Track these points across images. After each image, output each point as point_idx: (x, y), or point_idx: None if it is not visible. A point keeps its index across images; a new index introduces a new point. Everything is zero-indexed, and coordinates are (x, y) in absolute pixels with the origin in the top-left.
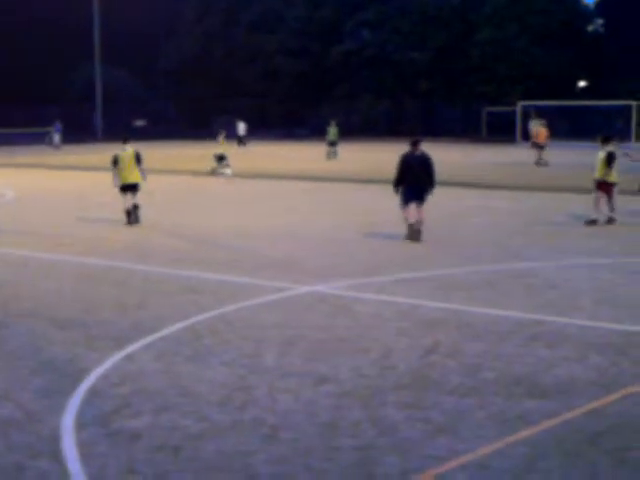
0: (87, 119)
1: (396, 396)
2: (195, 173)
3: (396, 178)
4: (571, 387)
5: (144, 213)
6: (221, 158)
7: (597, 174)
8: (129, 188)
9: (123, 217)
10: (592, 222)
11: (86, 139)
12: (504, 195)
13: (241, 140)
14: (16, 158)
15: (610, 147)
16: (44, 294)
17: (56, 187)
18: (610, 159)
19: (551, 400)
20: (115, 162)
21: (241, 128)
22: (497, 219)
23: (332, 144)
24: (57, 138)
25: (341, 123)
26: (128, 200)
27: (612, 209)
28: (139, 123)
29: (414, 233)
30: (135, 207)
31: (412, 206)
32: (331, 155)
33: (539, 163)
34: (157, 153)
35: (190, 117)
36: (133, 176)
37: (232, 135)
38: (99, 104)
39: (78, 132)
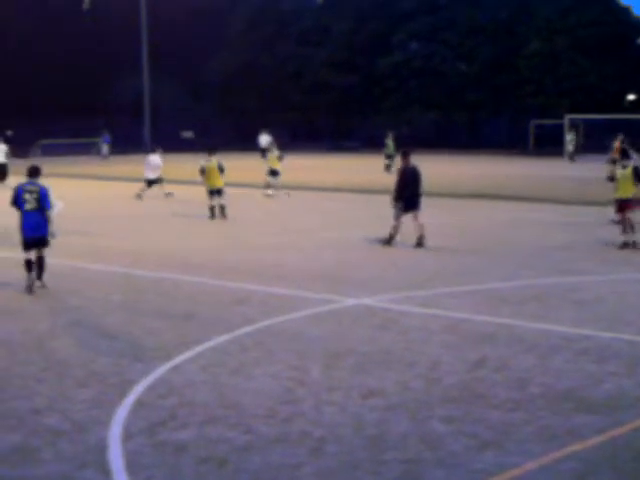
0: (135, 131)
1: (442, 410)
2: (247, 185)
3: (399, 191)
4: (620, 402)
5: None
6: (274, 173)
7: (620, 192)
8: (215, 192)
9: (170, 228)
10: (626, 245)
11: (134, 150)
12: (552, 208)
13: (264, 153)
14: (64, 168)
15: (631, 161)
16: (92, 305)
17: (104, 198)
18: (638, 174)
19: (600, 415)
20: (202, 171)
21: (264, 140)
22: (545, 232)
23: (389, 157)
24: (105, 149)
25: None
26: (214, 200)
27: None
28: (186, 135)
29: (417, 239)
30: (222, 207)
31: (406, 217)
32: (389, 167)
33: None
34: None
35: (237, 129)
36: (217, 182)
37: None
38: (147, 117)
39: (126, 143)
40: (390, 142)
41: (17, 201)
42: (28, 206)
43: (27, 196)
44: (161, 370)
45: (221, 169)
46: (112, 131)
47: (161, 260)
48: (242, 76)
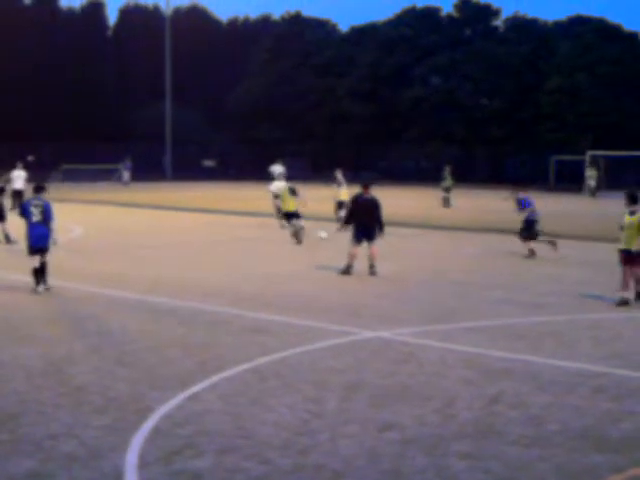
0: (157, 158)
1: (458, 445)
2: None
3: (346, 216)
4: (638, 442)
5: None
6: (340, 205)
7: (626, 244)
8: (291, 215)
9: (187, 256)
10: (624, 303)
11: (155, 178)
12: (571, 245)
13: None
14: (85, 194)
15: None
16: (110, 331)
17: (123, 224)
18: None
19: (617, 454)
20: (276, 196)
21: (277, 170)
22: (564, 269)
23: (447, 189)
24: (126, 175)
25: (409, 167)
26: (295, 224)
27: None
28: (208, 164)
29: (369, 268)
30: (301, 228)
31: (362, 245)
32: (447, 201)
33: None
34: (241, 193)
35: (258, 159)
36: (290, 206)
37: (297, 176)
38: (169, 145)
39: (147, 170)
40: (448, 175)
41: (25, 213)
42: (34, 218)
43: (33, 209)
44: (178, 398)
45: (293, 192)
46: (135, 158)
47: (179, 288)
48: (265, 105)
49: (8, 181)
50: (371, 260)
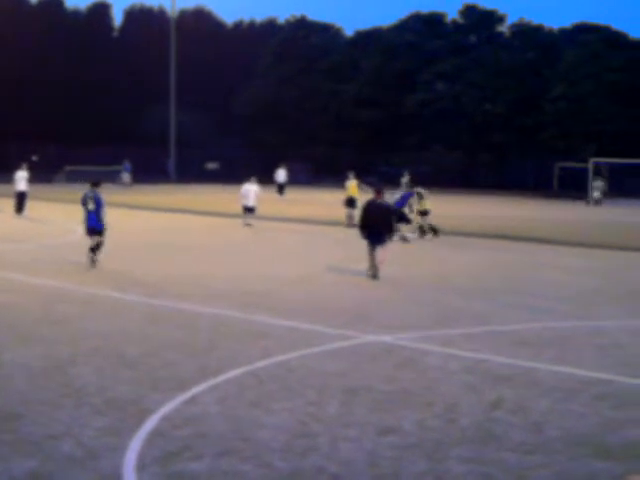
0: (160, 160)
1: (459, 450)
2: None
3: (360, 222)
4: (638, 450)
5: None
6: (352, 201)
7: None
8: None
9: (190, 259)
10: None
11: (159, 180)
12: (576, 252)
13: (281, 188)
14: None
15: None
16: (111, 333)
17: (122, 226)
18: None
19: (618, 462)
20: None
21: (281, 175)
22: (569, 276)
23: None
24: (127, 177)
25: (411, 173)
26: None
27: None
28: (211, 166)
29: (374, 271)
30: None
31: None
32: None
33: None
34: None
35: (262, 162)
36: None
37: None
38: (172, 148)
39: (151, 173)
40: (408, 182)
41: (83, 203)
42: (89, 207)
43: (88, 200)
44: (178, 401)
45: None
46: (137, 160)
47: (182, 290)
48: (269, 109)
49: None
50: (379, 264)
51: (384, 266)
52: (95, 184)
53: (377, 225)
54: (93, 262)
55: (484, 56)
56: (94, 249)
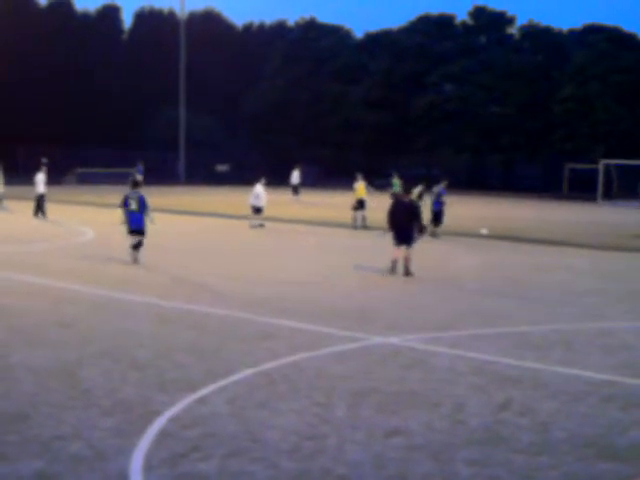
0: (170, 162)
1: (466, 452)
2: (282, 220)
3: (387, 220)
4: None
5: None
6: (361, 203)
7: None
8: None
9: (201, 260)
10: None
11: (168, 182)
12: (585, 253)
13: (295, 189)
14: (98, 197)
15: None
16: (120, 335)
17: None
18: None
19: (625, 464)
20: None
21: (295, 176)
22: (576, 277)
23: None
24: (139, 178)
25: (420, 175)
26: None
27: None
28: (221, 168)
29: (399, 268)
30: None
31: (402, 247)
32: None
33: None
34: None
35: (271, 164)
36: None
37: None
38: (182, 150)
39: (161, 175)
40: (397, 181)
41: (125, 204)
42: (132, 207)
43: (131, 201)
44: (186, 402)
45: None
46: (149, 163)
47: (191, 291)
48: (277, 111)
49: None
50: (406, 263)
51: (399, 265)
52: (136, 184)
53: (402, 224)
54: (136, 260)
55: (493, 58)
56: (137, 246)
